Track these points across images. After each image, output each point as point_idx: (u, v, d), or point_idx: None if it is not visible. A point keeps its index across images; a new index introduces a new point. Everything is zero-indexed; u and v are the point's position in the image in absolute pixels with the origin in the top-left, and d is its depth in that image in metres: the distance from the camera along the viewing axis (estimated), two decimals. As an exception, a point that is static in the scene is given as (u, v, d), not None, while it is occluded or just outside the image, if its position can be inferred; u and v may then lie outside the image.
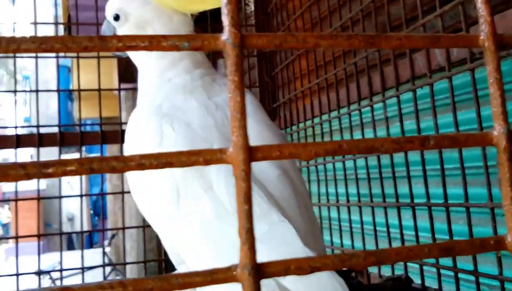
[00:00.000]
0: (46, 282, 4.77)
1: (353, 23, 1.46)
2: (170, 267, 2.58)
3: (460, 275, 1.05)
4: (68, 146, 1.90)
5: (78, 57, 2.06)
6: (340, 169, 1.59)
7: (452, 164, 1.27)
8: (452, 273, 1.06)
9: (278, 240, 0.76)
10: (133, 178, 0.92)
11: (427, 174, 1.15)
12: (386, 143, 0.26)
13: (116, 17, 1.02)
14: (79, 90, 1.89)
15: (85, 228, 5.85)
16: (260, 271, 0.23)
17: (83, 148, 2.50)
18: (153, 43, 0.24)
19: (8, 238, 3.54)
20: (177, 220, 0.84)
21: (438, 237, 1.14)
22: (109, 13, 1.04)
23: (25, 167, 0.22)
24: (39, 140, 1.78)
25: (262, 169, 0.85)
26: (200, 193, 0.82)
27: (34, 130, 1.79)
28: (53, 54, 1.93)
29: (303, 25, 1.86)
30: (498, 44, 0.28)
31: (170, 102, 0.93)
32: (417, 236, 1.17)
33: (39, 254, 1.77)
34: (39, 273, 2.03)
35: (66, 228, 6.12)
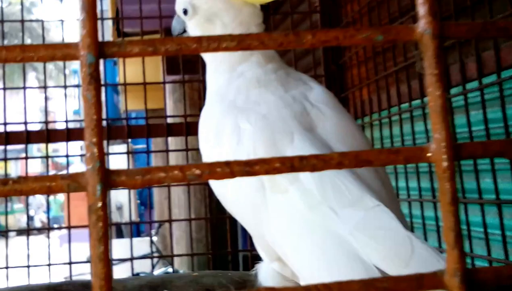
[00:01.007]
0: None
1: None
2: (219, 261, 2.57)
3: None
4: (115, 139, 1.91)
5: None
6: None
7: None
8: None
9: (376, 226, 0.71)
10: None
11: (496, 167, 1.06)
12: None
13: (185, 11, 1.01)
14: (125, 84, 1.89)
15: (133, 217, 6.00)
16: (471, 279, 0.22)
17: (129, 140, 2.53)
18: (346, 37, 0.24)
19: (60, 228, 3.67)
20: (266, 215, 0.81)
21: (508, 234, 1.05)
22: (178, 7, 1.03)
23: (230, 165, 0.23)
24: (87, 134, 1.80)
25: None
26: (286, 184, 0.78)
27: (83, 124, 1.81)
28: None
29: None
30: None
31: (244, 97, 0.90)
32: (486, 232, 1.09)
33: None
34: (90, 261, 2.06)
35: (115, 216, 6.32)
